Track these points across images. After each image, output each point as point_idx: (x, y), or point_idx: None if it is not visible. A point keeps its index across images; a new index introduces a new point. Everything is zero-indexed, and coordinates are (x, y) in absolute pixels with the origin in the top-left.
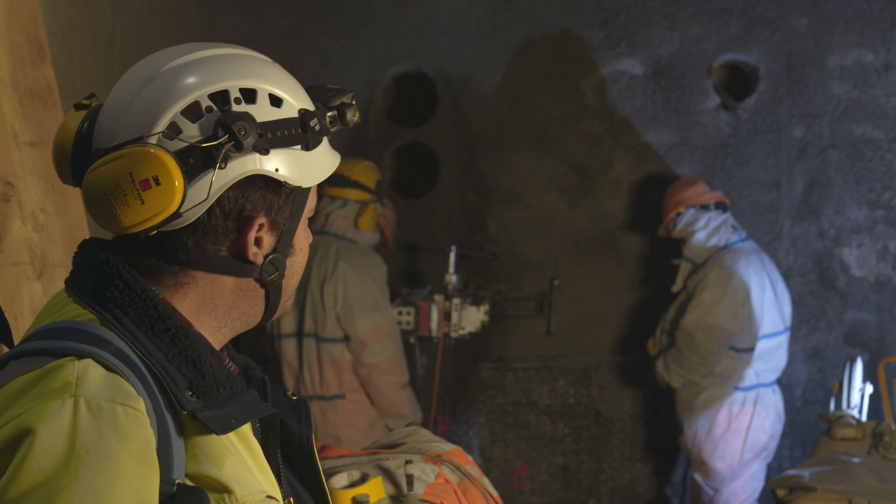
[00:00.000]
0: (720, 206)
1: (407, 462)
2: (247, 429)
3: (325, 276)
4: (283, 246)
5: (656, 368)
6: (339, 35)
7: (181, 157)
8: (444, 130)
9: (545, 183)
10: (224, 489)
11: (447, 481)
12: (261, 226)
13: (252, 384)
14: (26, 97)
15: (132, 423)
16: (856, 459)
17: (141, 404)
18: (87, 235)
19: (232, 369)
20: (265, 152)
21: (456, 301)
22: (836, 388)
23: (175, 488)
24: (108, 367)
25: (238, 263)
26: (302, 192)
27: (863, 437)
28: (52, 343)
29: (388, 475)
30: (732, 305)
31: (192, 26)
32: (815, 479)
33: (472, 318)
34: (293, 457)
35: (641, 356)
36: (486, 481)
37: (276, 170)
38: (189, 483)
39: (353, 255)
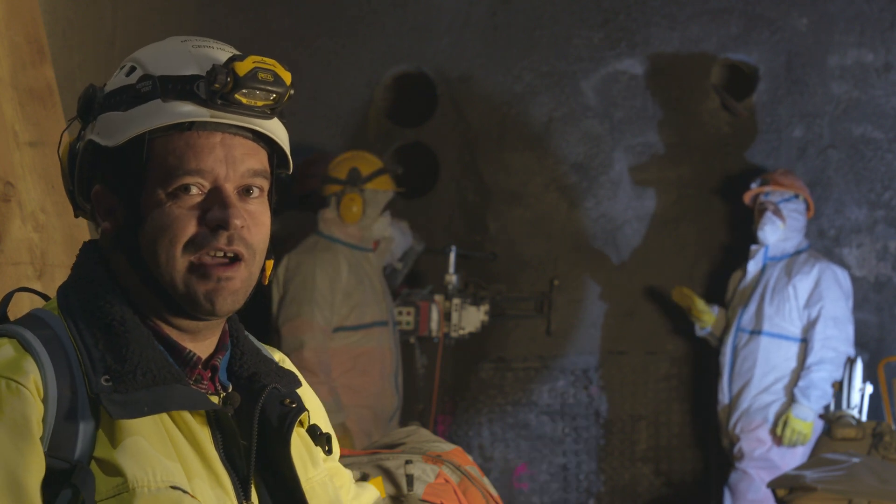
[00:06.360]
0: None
1: (407, 462)
2: (191, 422)
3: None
4: (130, 215)
5: None
6: (339, 35)
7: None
8: (444, 130)
9: (545, 183)
10: (119, 473)
11: (447, 481)
12: (99, 195)
13: (248, 389)
14: (26, 97)
15: (12, 395)
16: (856, 459)
17: (31, 381)
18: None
19: (194, 360)
20: (94, 119)
21: (456, 301)
22: (836, 388)
23: (70, 466)
24: (24, 348)
25: (106, 238)
26: (126, 154)
27: (863, 437)
28: (5, 326)
29: (388, 475)
30: None
31: (192, 26)
32: (815, 479)
33: (472, 318)
34: (282, 466)
35: (641, 356)
36: (486, 481)
37: (98, 134)
38: (95, 466)
39: (307, 249)
